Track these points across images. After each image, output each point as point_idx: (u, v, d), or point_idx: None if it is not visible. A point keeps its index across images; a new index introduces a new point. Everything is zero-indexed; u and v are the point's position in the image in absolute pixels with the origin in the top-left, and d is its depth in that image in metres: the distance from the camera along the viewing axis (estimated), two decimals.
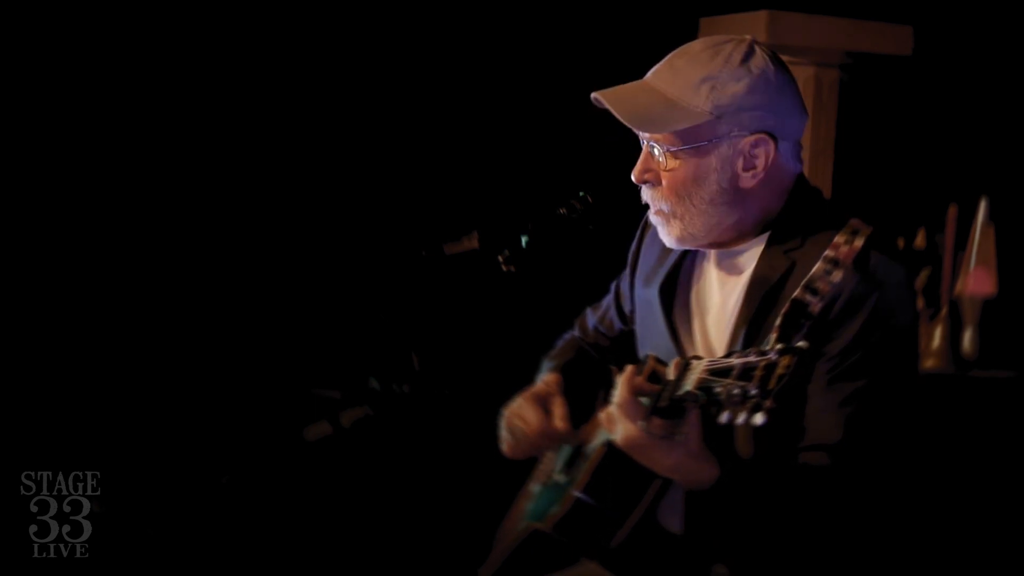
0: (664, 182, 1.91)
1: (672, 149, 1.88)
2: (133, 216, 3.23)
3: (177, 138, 3.26)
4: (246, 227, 3.33)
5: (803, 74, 3.47)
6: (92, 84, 3.16)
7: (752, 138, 1.88)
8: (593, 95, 1.93)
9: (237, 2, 3.29)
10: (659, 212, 1.95)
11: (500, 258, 2.04)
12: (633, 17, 3.64)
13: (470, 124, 3.51)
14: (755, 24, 3.32)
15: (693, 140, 1.87)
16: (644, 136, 1.92)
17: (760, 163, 1.89)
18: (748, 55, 1.89)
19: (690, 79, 1.87)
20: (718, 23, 3.42)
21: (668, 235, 1.96)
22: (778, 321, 1.78)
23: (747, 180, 1.90)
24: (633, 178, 1.95)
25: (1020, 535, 3.07)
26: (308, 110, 3.38)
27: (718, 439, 1.79)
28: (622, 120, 1.88)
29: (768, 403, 1.54)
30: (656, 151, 1.90)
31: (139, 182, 3.23)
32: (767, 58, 1.91)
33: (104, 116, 3.18)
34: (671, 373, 1.78)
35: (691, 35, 2.03)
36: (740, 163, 1.89)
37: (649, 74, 1.95)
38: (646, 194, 1.96)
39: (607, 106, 1.90)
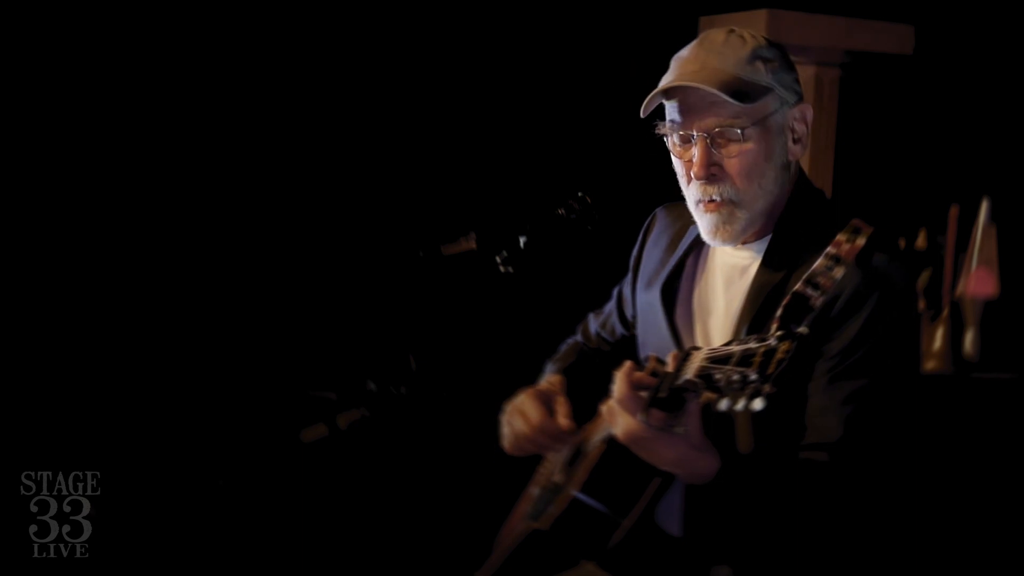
0: (734, 168, 1.89)
1: (743, 128, 1.87)
2: (133, 216, 3.22)
3: (176, 138, 3.25)
4: (244, 228, 3.32)
5: (804, 73, 3.44)
6: (92, 84, 3.16)
7: (796, 109, 1.92)
8: (676, 82, 1.88)
9: (237, 2, 3.28)
10: (722, 205, 1.90)
11: (498, 259, 2.04)
12: (633, 16, 3.63)
13: (468, 125, 3.51)
14: (755, 23, 3.31)
15: (760, 115, 1.88)
16: (705, 127, 1.87)
17: (804, 132, 1.94)
18: (760, 35, 1.94)
19: (741, 56, 1.88)
20: (718, 22, 3.41)
21: (726, 231, 1.92)
22: (779, 312, 1.79)
23: (795, 152, 1.94)
24: (697, 174, 1.90)
25: (1020, 535, 3.07)
26: (307, 110, 3.38)
27: (719, 434, 1.79)
28: (722, 93, 1.83)
29: (767, 388, 1.54)
30: (724, 136, 1.87)
31: (139, 182, 3.23)
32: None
33: (104, 116, 3.18)
34: (670, 365, 1.78)
35: (691, 34, 2.02)
36: (790, 136, 1.93)
37: (689, 63, 1.91)
38: (706, 191, 1.91)
39: (703, 86, 1.85)
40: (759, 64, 1.88)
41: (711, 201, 1.91)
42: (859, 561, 1.89)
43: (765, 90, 1.88)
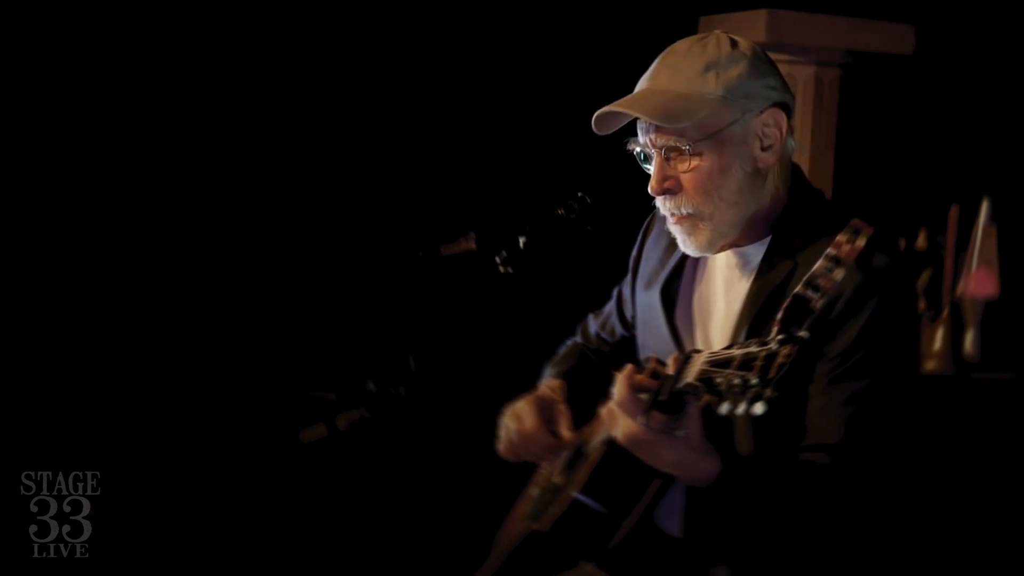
0: (688, 183, 1.88)
1: (693, 144, 1.86)
2: (133, 216, 3.23)
3: (177, 138, 3.25)
4: (244, 228, 3.32)
5: (803, 73, 3.46)
6: (92, 84, 3.16)
7: (764, 115, 1.89)
8: (603, 110, 1.89)
9: (237, 2, 3.28)
10: (684, 219, 1.91)
11: (497, 259, 2.04)
12: (632, 16, 3.63)
13: (468, 125, 3.51)
14: (755, 23, 3.31)
15: (711, 129, 1.86)
16: (657, 144, 1.88)
17: (776, 137, 1.90)
18: (733, 42, 1.91)
19: (693, 70, 1.87)
20: (717, 22, 3.41)
21: (695, 243, 1.92)
22: (779, 315, 1.78)
23: (766, 159, 1.90)
24: (652, 190, 1.90)
25: (1020, 535, 3.07)
26: (308, 110, 3.38)
27: (720, 436, 1.79)
28: (649, 118, 1.85)
29: (768, 392, 1.54)
30: (676, 152, 1.87)
31: (139, 182, 3.23)
32: (751, 43, 1.93)
33: (104, 116, 3.18)
34: (671, 368, 1.78)
35: (690, 34, 2.02)
36: (757, 144, 1.89)
37: (644, 81, 1.93)
38: (665, 204, 1.92)
39: (628, 111, 1.86)
40: (710, 76, 1.86)
41: (673, 214, 1.92)
42: (860, 562, 1.88)
43: (714, 103, 1.86)
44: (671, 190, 1.89)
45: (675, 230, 1.94)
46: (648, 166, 1.93)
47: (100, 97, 3.17)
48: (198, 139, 3.27)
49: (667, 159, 1.88)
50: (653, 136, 1.88)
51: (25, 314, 3.12)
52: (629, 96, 1.92)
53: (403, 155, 3.47)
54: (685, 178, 1.88)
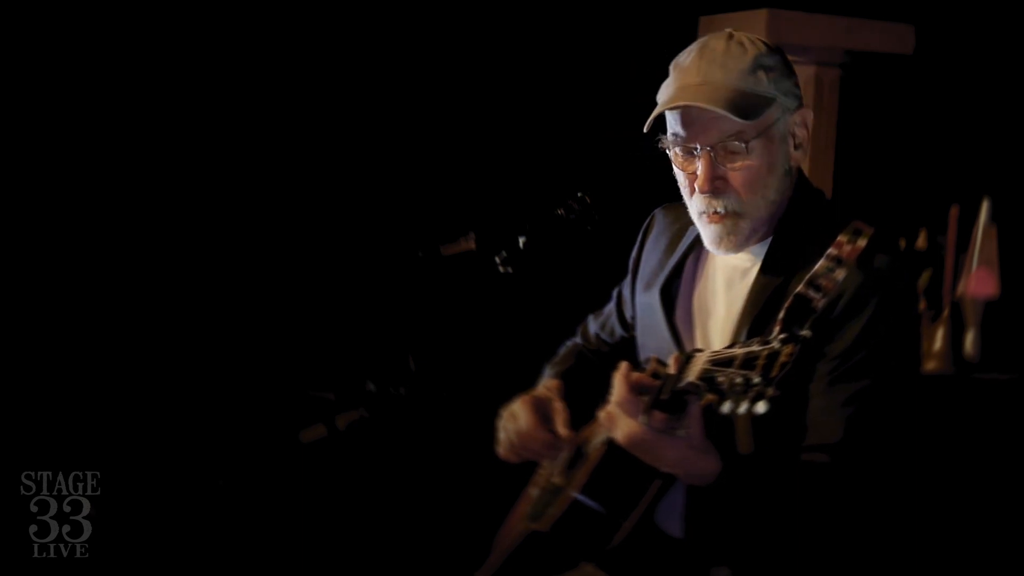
0: (738, 181, 1.87)
1: (748, 141, 1.86)
2: (133, 216, 3.22)
3: (176, 138, 3.25)
4: (243, 228, 3.32)
5: (804, 73, 3.46)
6: (92, 84, 3.16)
7: (796, 114, 1.90)
8: (679, 103, 1.87)
9: (237, 2, 3.28)
10: (725, 217, 1.89)
11: (497, 259, 2.04)
12: (632, 16, 3.63)
13: (468, 125, 3.51)
14: (755, 22, 3.31)
15: (763, 126, 1.87)
16: (710, 141, 1.86)
17: (804, 137, 1.92)
18: (760, 40, 1.91)
19: (743, 67, 1.86)
20: (718, 22, 3.41)
21: (731, 241, 1.91)
22: (781, 314, 1.79)
23: (797, 158, 1.93)
24: (702, 188, 1.89)
25: (1020, 535, 3.07)
26: (307, 110, 3.38)
27: (720, 435, 1.79)
28: (726, 112, 1.82)
29: (770, 391, 1.54)
30: (726, 150, 1.86)
31: (139, 182, 3.23)
32: (772, 41, 1.94)
33: (104, 116, 3.18)
34: (673, 367, 1.78)
35: (691, 34, 2.02)
36: (791, 143, 1.91)
37: (691, 76, 1.89)
38: (710, 204, 1.90)
39: (705, 105, 1.84)
40: (761, 74, 1.87)
41: (715, 213, 1.90)
42: (859, 562, 1.89)
43: (768, 101, 1.87)
44: (718, 188, 1.88)
45: (710, 229, 1.92)
46: (684, 164, 1.91)
47: (100, 97, 3.17)
48: (198, 140, 3.27)
49: (716, 157, 1.87)
50: (703, 133, 1.87)
51: (25, 314, 3.12)
52: (688, 89, 1.87)
53: (403, 155, 3.47)
54: (734, 176, 1.87)
